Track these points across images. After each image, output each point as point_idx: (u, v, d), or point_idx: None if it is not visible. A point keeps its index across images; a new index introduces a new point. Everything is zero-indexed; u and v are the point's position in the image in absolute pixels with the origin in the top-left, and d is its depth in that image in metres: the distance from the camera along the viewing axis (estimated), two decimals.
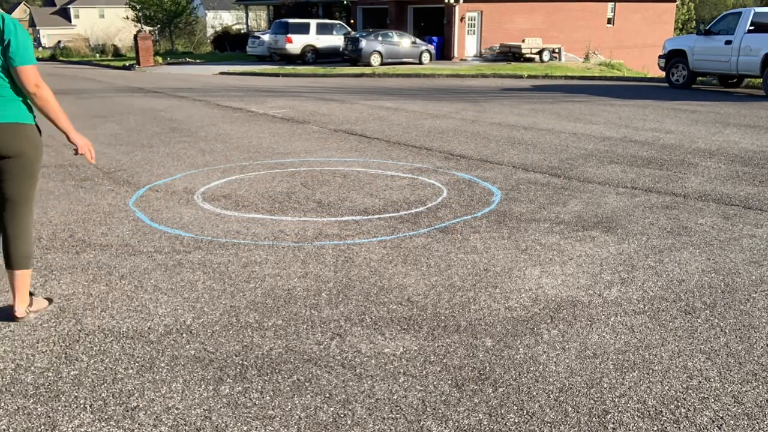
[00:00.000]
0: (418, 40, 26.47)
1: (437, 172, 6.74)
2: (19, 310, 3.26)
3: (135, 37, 28.57)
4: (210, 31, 49.12)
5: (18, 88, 3.12)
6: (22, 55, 3.05)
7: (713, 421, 2.48)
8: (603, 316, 3.36)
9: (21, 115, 3.15)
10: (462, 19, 28.46)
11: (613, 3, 32.81)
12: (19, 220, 3.22)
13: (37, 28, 77.62)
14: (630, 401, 2.61)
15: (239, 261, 4.15)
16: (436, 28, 29.79)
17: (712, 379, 2.77)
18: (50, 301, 3.52)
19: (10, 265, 3.22)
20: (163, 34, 41.63)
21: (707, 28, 15.16)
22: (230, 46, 37.46)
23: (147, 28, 36.85)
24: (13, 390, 2.69)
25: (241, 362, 2.90)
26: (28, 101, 3.18)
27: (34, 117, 3.24)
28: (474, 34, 29.30)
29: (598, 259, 4.19)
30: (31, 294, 3.38)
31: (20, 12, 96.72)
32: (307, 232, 4.73)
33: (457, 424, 2.46)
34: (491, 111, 11.84)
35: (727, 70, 14.76)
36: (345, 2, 33.38)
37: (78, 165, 7.07)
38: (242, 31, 40.53)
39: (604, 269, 4.03)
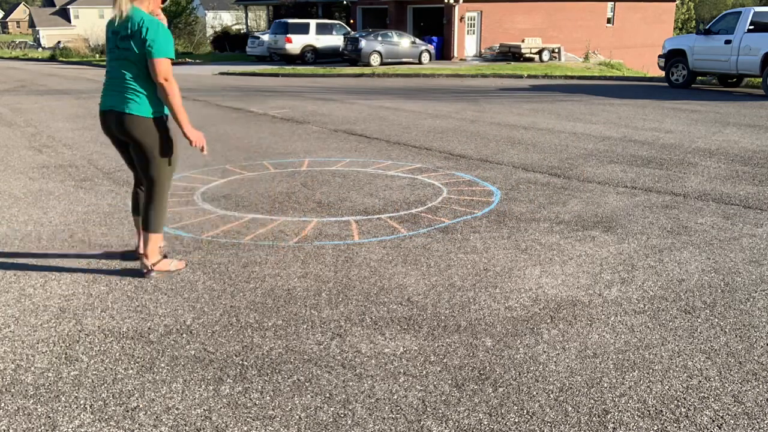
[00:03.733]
0: (417, 40, 26.48)
1: (437, 172, 6.75)
2: (144, 264, 3.88)
3: None
4: (210, 32, 49.14)
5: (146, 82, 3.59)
6: (158, 48, 3.50)
7: (713, 421, 2.48)
8: (603, 316, 3.37)
9: (141, 109, 3.63)
10: (462, 19, 28.47)
11: (612, 3, 32.83)
12: (148, 192, 3.84)
13: (37, 28, 77.56)
14: (630, 401, 2.61)
15: (239, 261, 4.15)
16: (435, 28, 29.79)
17: (712, 379, 2.77)
18: (185, 264, 4.07)
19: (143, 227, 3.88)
20: None
21: (707, 27, 15.15)
22: (230, 47, 37.45)
23: None
24: (13, 390, 2.69)
25: (241, 362, 2.90)
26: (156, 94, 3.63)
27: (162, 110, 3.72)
28: (474, 34, 29.32)
29: (598, 259, 4.19)
30: (165, 256, 4.02)
31: (20, 12, 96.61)
32: (307, 232, 4.73)
33: (457, 423, 2.46)
34: (491, 111, 11.84)
35: (726, 70, 14.75)
36: (345, 2, 33.38)
37: (78, 165, 7.08)
38: (242, 32, 40.53)
39: (604, 269, 4.03)
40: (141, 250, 3.94)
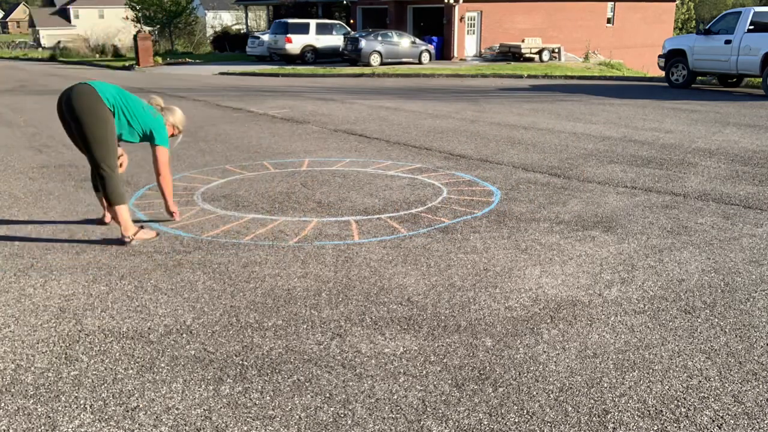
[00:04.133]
0: (417, 40, 26.48)
1: (437, 172, 6.74)
2: (124, 237, 4.43)
3: (135, 37, 28.59)
4: (210, 32, 49.10)
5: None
6: (162, 138, 4.66)
7: (713, 421, 2.48)
8: (603, 316, 3.37)
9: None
10: (462, 19, 28.47)
11: (612, 3, 32.83)
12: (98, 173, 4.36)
13: (37, 28, 77.54)
14: (630, 401, 2.61)
15: (239, 261, 4.15)
16: (435, 28, 29.80)
17: (712, 379, 2.77)
18: (157, 234, 4.62)
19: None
20: (162, 34, 41.62)
21: (707, 27, 15.15)
22: (230, 47, 37.46)
23: (147, 29, 36.87)
24: (13, 390, 2.69)
25: (241, 362, 2.90)
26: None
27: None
28: (474, 34, 29.32)
29: (598, 259, 4.19)
30: (141, 227, 4.62)
31: (20, 12, 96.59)
32: (307, 232, 4.73)
33: (457, 423, 2.46)
34: (491, 111, 11.84)
35: (726, 70, 14.75)
36: (345, 2, 33.38)
37: (78, 165, 7.08)
38: (242, 32, 40.54)
39: (604, 269, 4.03)
40: (107, 219, 4.82)
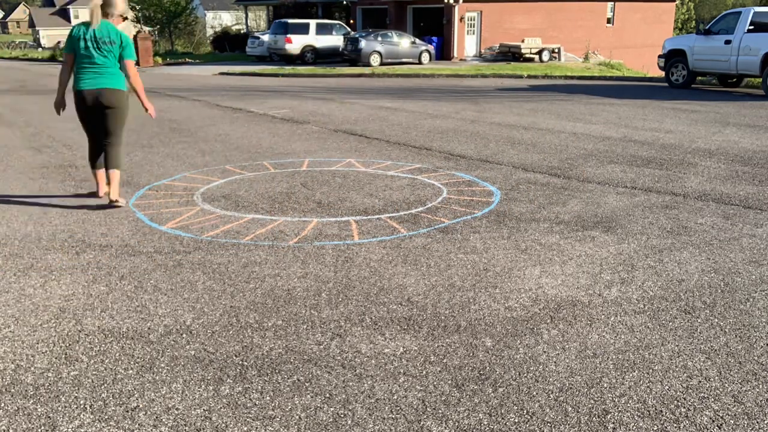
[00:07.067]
0: (417, 40, 26.48)
1: (437, 172, 6.75)
2: (111, 199, 5.31)
3: (134, 37, 28.55)
4: (209, 32, 49.12)
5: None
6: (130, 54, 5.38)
7: (713, 421, 2.48)
8: (603, 316, 3.37)
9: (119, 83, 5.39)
10: (461, 19, 28.48)
11: (612, 3, 32.84)
12: (115, 144, 5.41)
13: (37, 28, 77.56)
14: (630, 401, 2.61)
15: (239, 261, 4.15)
16: (435, 29, 29.80)
17: (712, 379, 2.77)
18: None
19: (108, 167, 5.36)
20: (162, 34, 41.64)
21: (707, 27, 15.15)
22: (230, 47, 37.46)
23: (146, 29, 36.87)
24: (13, 390, 2.69)
25: (241, 362, 2.90)
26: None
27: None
28: (473, 34, 29.32)
29: (598, 259, 4.19)
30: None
31: (20, 12, 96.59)
32: (307, 232, 4.73)
33: (457, 424, 2.46)
34: (491, 111, 11.84)
35: (726, 70, 14.75)
36: (344, 2, 33.38)
37: (78, 166, 7.08)
38: (242, 32, 40.54)
39: (604, 269, 4.03)
40: (105, 190, 5.42)
